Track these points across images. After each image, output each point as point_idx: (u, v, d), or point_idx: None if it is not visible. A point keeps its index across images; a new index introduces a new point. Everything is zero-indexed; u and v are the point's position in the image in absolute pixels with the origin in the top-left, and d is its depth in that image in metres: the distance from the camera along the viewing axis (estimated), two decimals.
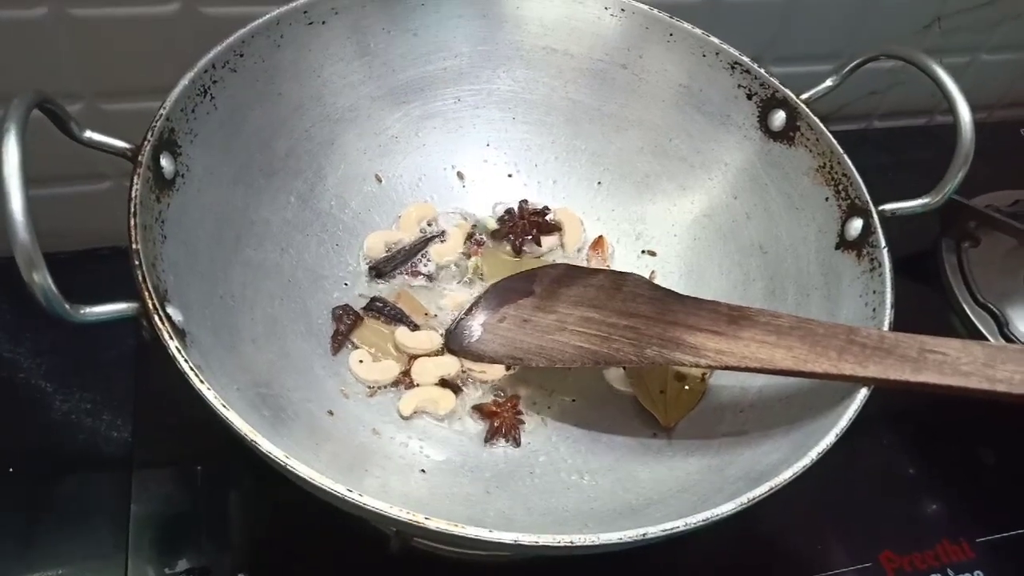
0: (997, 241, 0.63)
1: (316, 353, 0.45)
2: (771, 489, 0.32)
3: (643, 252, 0.54)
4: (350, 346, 0.47)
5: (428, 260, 0.52)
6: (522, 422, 0.45)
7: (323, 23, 0.47)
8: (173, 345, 0.32)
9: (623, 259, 0.54)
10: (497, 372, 0.47)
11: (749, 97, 0.49)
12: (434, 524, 0.29)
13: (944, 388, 0.36)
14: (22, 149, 0.30)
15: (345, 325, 0.47)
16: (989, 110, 0.81)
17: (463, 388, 0.47)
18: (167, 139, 0.39)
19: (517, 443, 0.45)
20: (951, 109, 0.43)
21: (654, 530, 0.31)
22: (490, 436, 0.44)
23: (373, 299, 0.49)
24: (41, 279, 0.29)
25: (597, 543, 0.30)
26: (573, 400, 0.47)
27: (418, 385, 0.46)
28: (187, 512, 0.45)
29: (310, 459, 0.30)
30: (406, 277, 0.51)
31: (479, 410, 0.46)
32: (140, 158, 0.36)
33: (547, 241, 0.53)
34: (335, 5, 0.47)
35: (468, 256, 0.52)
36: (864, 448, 0.54)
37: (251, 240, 0.45)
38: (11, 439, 0.47)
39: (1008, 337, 0.59)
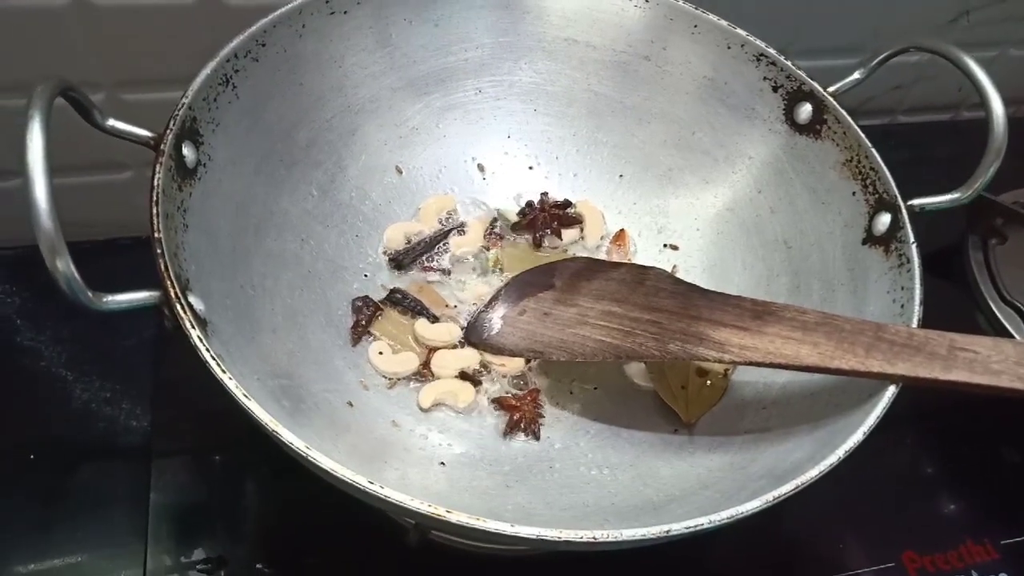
0: None
1: (336, 344, 0.45)
2: (797, 487, 0.32)
3: (665, 246, 0.53)
4: (370, 338, 0.47)
5: (447, 252, 0.51)
6: (542, 416, 0.45)
7: (345, 13, 0.47)
8: (195, 334, 0.32)
9: (645, 253, 0.53)
10: (517, 365, 0.47)
11: (775, 90, 0.49)
12: (455, 517, 0.29)
13: (974, 387, 0.35)
14: (46, 136, 0.30)
15: (365, 316, 0.47)
16: (1016, 105, 0.79)
17: (482, 381, 0.46)
18: (189, 128, 0.39)
19: (536, 437, 0.44)
20: (983, 102, 0.42)
21: (678, 527, 0.30)
22: (509, 430, 0.44)
23: (393, 291, 0.48)
24: (64, 267, 0.29)
25: (620, 539, 0.30)
26: (595, 388, 0.47)
27: (438, 377, 0.46)
28: (205, 501, 0.45)
29: (330, 450, 0.30)
30: (421, 273, 0.50)
31: (499, 403, 0.45)
32: (162, 147, 0.36)
33: (568, 234, 0.53)
34: None
35: (488, 249, 0.52)
36: (887, 447, 0.53)
37: (272, 230, 0.44)
38: (32, 427, 0.47)
39: None
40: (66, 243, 0.30)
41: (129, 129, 0.37)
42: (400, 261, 0.50)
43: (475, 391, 0.45)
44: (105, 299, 0.32)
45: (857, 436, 0.34)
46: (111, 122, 0.37)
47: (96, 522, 0.44)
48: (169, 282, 0.33)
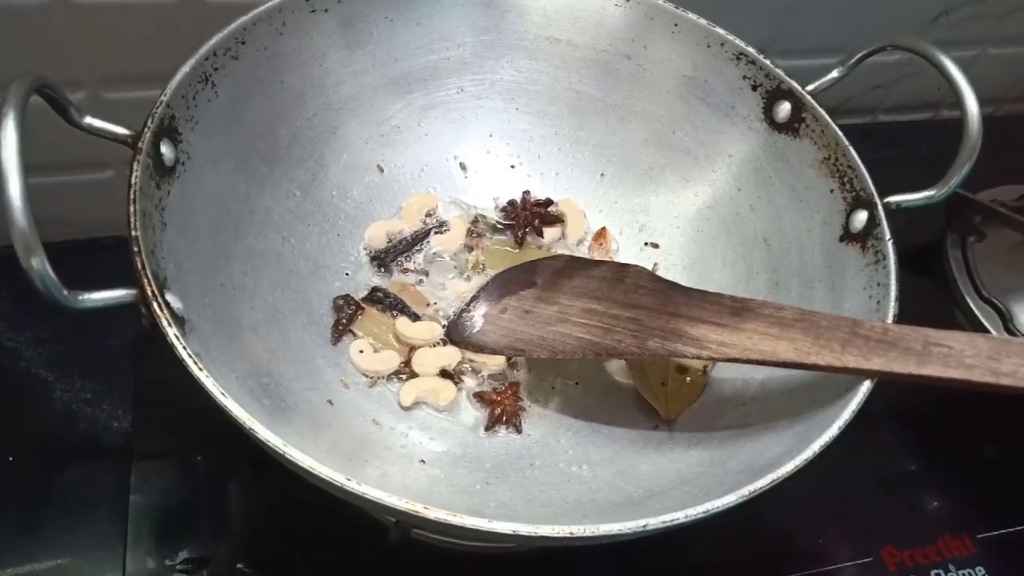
0: (1002, 236, 0.63)
1: (316, 343, 0.45)
2: (772, 481, 0.32)
3: (646, 244, 0.53)
4: (351, 336, 0.47)
5: (428, 251, 0.51)
6: (523, 409, 0.45)
7: (325, 11, 0.47)
8: (172, 332, 0.32)
9: (626, 251, 0.53)
10: (498, 362, 0.47)
11: (754, 88, 0.49)
12: (433, 514, 0.29)
13: (948, 381, 0.35)
14: (20, 134, 0.30)
15: (346, 315, 0.47)
16: (996, 104, 0.80)
17: (463, 378, 0.46)
18: (168, 126, 0.38)
19: (518, 430, 0.44)
20: (958, 101, 0.42)
21: (654, 522, 0.30)
22: (491, 423, 0.44)
23: (374, 289, 0.48)
24: (39, 265, 0.29)
25: (597, 534, 0.30)
26: (576, 384, 0.47)
27: (419, 375, 0.46)
28: (186, 503, 0.45)
29: (309, 448, 0.30)
30: (398, 274, 0.50)
31: (480, 398, 0.45)
32: (140, 144, 0.36)
33: (549, 232, 0.53)
34: None
35: (470, 249, 0.52)
36: (867, 442, 0.54)
37: (252, 229, 0.44)
38: (11, 428, 0.47)
39: (1012, 332, 0.58)
40: (48, 242, 0.30)
41: (106, 127, 0.37)
42: (382, 259, 0.50)
43: (456, 389, 0.45)
44: (81, 297, 0.31)
45: (832, 431, 0.34)
46: (88, 120, 0.37)
47: (77, 524, 0.44)
48: (145, 280, 0.32)
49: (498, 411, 0.45)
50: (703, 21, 0.50)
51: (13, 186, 0.29)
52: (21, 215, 0.29)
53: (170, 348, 0.32)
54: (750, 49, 0.49)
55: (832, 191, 0.45)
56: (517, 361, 0.47)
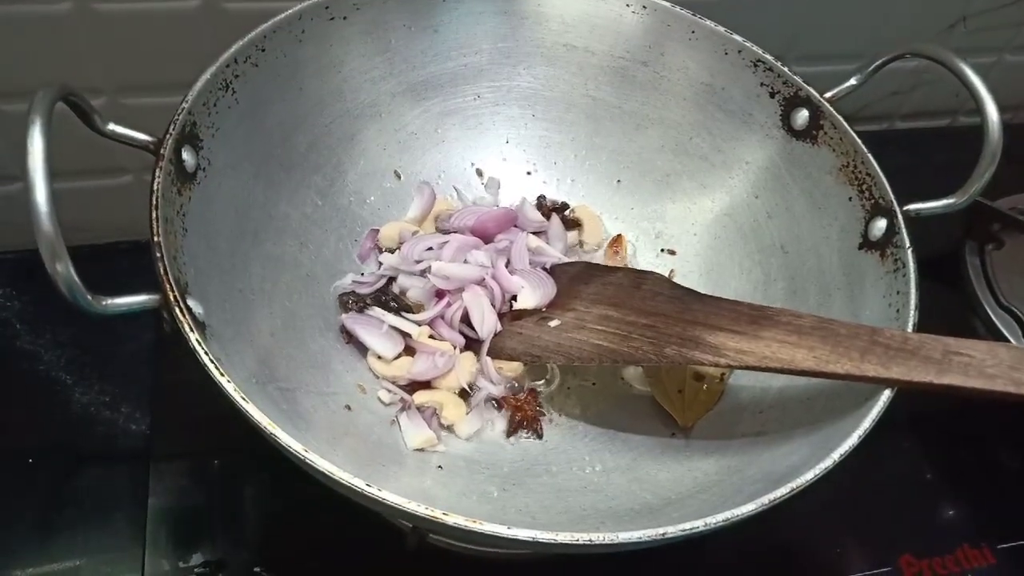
0: (1021, 244, 0.63)
1: (334, 348, 0.46)
2: (793, 490, 0.32)
3: (662, 251, 0.53)
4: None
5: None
6: (543, 414, 0.45)
7: (344, 19, 0.47)
8: (194, 337, 0.32)
9: (642, 258, 0.53)
10: (515, 367, 0.47)
11: (772, 95, 0.49)
12: (452, 520, 0.29)
13: (969, 391, 0.35)
14: (47, 141, 0.30)
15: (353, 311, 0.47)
16: (1014, 111, 0.80)
17: (479, 384, 0.46)
18: (189, 132, 0.39)
19: (539, 435, 0.44)
20: (978, 108, 0.42)
21: (673, 530, 0.30)
22: (512, 429, 0.44)
23: (379, 290, 0.48)
24: (64, 270, 0.30)
25: (616, 542, 0.30)
26: (593, 383, 0.47)
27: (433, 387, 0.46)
28: (204, 506, 0.45)
29: (328, 453, 0.30)
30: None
31: (504, 401, 0.45)
32: (162, 151, 0.37)
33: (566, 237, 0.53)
34: (357, 1, 0.47)
35: None
36: (885, 451, 0.53)
37: (271, 234, 0.45)
38: (31, 431, 0.48)
39: None
40: (68, 247, 0.30)
41: (129, 133, 0.37)
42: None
43: (465, 408, 0.45)
44: (104, 302, 0.32)
45: (852, 440, 0.34)
46: (111, 126, 0.37)
47: (95, 526, 0.44)
48: (168, 286, 0.33)
49: (519, 416, 0.45)
50: (720, 28, 0.50)
51: (40, 193, 0.29)
52: (47, 221, 0.29)
53: (190, 352, 0.32)
54: (768, 56, 0.49)
55: (851, 198, 0.45)
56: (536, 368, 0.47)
